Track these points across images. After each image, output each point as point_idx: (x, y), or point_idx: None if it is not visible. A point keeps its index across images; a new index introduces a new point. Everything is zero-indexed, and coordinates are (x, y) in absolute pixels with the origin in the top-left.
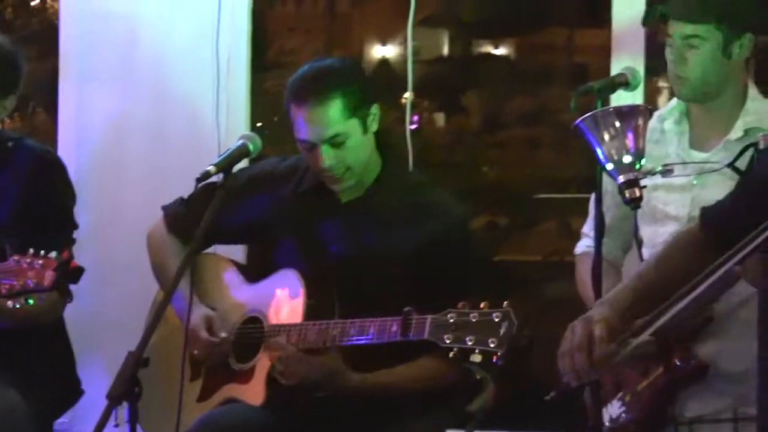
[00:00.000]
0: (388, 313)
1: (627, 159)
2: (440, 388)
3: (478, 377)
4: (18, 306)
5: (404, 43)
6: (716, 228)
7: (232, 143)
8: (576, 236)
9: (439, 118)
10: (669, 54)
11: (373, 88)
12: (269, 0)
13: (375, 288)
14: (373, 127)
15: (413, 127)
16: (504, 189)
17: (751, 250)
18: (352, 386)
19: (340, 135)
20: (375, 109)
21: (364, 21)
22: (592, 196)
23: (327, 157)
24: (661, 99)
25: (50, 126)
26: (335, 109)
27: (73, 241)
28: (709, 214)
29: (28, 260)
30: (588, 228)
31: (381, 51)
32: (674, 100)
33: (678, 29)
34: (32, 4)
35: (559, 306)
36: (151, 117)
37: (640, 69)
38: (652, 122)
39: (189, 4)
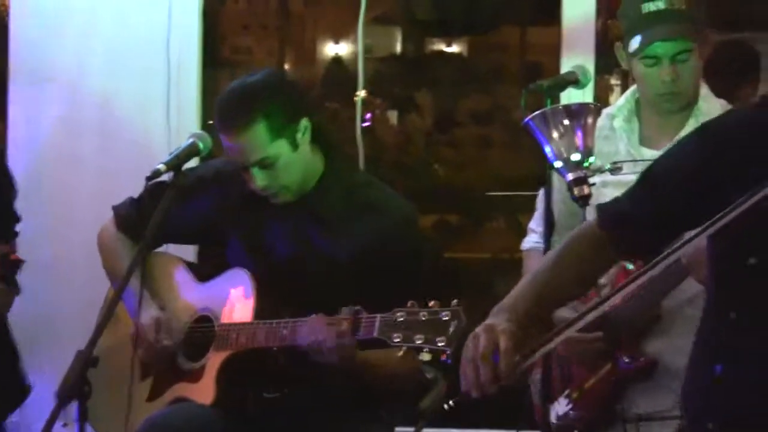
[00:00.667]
0: (338, 312)
1: (576, 157)
2: (407, 381)
3: (429, 376)
4: None
5: (357, 40)
6: (613, 225)
7: (183, 142)
8: (526, 233)
9: (393, 116)
10: (655, 75)
11: (301, 101)
12: None
13: (323, 288)
14: (305, 140)
15: (366, 125)
16: (455, 187)
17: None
18: (310, 378)
19: (268, 158)
20: (305, 123)
21: (317, 19)
22: (540, 192)
23: (259, 178)
24: (612, 96)
25: (0, 126)
26: (258, 133)
27: (14, 234)
28: (607, 211)
29: None
30: (535, 224)
31: (334, 49)
32: (623, 98)
33: (666, 50)
34: None
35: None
36: (102, 117)
37: (591, 67)
38: (602, 120)
39: (141, 3)
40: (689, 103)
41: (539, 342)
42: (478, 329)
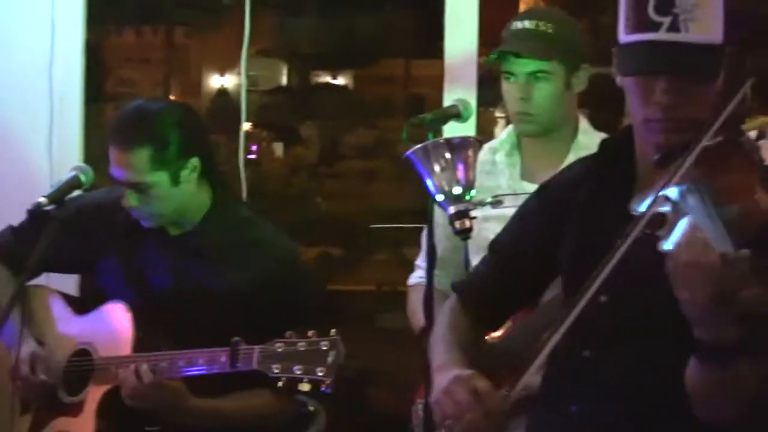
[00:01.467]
0: (218, 344)
1: (457, 190)
2: (279, 419)
3: (311, 408)
4: None
5: (241, 73)
6: (476, 302)
7: (65, 175)
8: (410, 266)
9: (278, 149)
10: (511, 92)
11: (196, 141)
12: (105, 31)
13: (203, 321)
14: (191, 179)
15: (252, 157)
16: (339, 220)
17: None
18: (194, 411)
19: (143, 184)
20: (194, 162)
21: (202, 51)
22: (427, 227)
23: (130, 199)
24: (497, 129)
25: None
26: (140, 159)
27: None
28: (465, 288)
29: None
30: (421, 260)
31: (219, 81)
32: (506, 132)
33: (521, 67)
34: None
35: (393, 336)
36: None
37: (473, 100)
38: (484, 154)
39: (23, 35)
40: (548, 132)
41: (517, 369)
42: (446, 388)
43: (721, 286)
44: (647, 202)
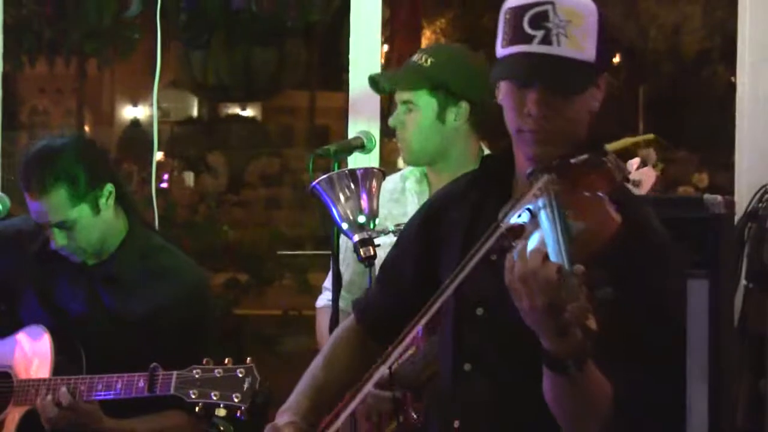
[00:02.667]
0: (136, 369)
1: (361, 219)
2: None
3: (221, 429)
4: None
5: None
6: (368, 320)
7: None
8: (314, 291)
9: (189, 178)
10: (392, 119)
11: (105, 167)
12: (18, 63)
13: (119, 347)
14: (108, 205)
15: (163, 185)
16: (245, 246)
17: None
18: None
19: (68, 221)
20: (109, 188)
21: (114, 82)
22: (331, 254)
23: (58, 238)
24: (400, 160)
25: None
26: (58, 198)
27: None
28: (360, 307)
29: None
30: (328, 282)
31: (132, 112)
32: (414, 168)
33: (398, 96)
34: None
35: (297, 359)
36: None
37: (376, 132)
38: (395, 182)
39: None
40: (427, 161)
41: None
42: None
43: (551, 298)
44: (509, 215)
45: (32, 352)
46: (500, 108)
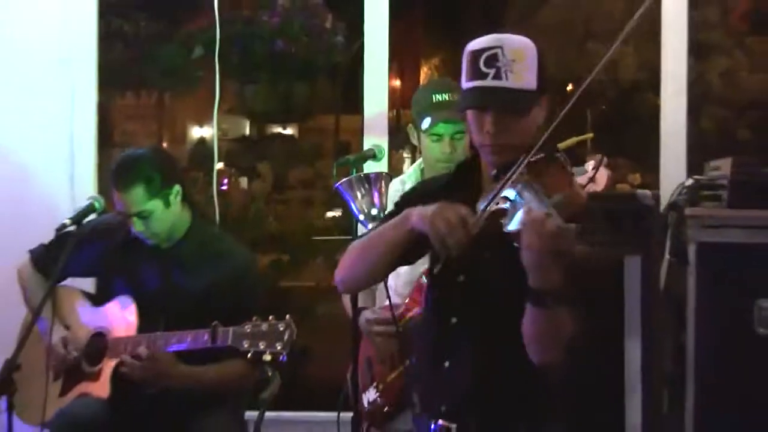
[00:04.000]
0: (202, 326)
1: (374, 211)
2: (246, 385)
3: (269, 374)
4: None
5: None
6: None
7: (82, 201)
8: None
9: (243, 182)
10: (437, 148)
11: (175, 172)
12: (112, 94)
13: (187, 311)
14: (176, 201)
15: (223, 188)
16: (286, 234)
17: None
18: (182, 376)
19: (144, 212)
20: (177, 188)
21: (185, 110)
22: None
23: (137, 225)
24: (404, 165)
25: None
26: (137, 194)
27: None
28: None
29: None
30: None
31: (198, 132)
32: (412, 168)
33: (445, 129)
34: None
35: (327, 319)
36: (18, 185)
37: (385, 145)
38: (397, 184)
39: (47, 100)
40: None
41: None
42: (436, 211)
43: (558, 246)
44: (486, 200)
45: (121, 316)
46: None
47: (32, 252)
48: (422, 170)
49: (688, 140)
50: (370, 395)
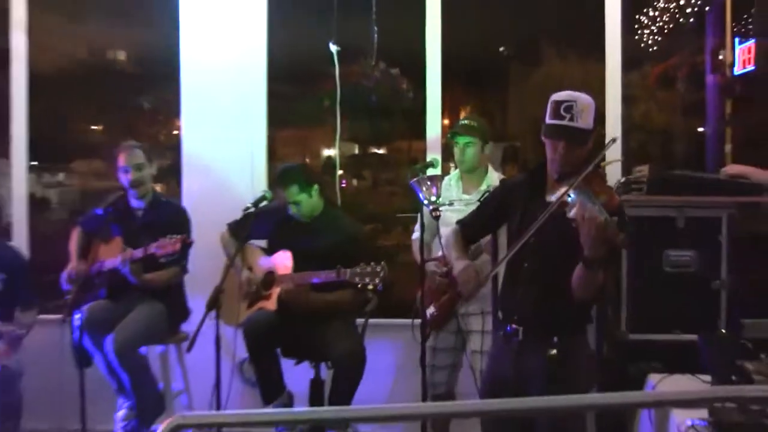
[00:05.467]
0: (330, 267)
1: (433, 198)
2: (357, 303)
3: (370, 297)
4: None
5: (336, 147)
6: (464, 229)
7: (258, 193)
8: (411, 233)
9: (354, 182)
10: (457, 153)
11: (315, 176)
12: (275, 129)
13: (322, 259)
14: (315, 194)
15: (342, 186)
16: (381, 213)
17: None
18: (317, 299)
19: (296, 201)
20: (316, 186)
21: (318, 138)
22: (419, 214)
23: (291, 208)
24: (451, 170)
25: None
26: (292, 190)
27: (189, 232)
28: (462, 222)
29: (170, 239)
30: (417, 227)
31: (327, 152)
32: (455, 171)
33: (461, 141)
34: None
35: (404, 267)
36: (217, 185)
37: (439, 158)
38: (446, 181)
39: (234, 130)
40: (473, 169)
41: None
42: (462, 270)
43: (605, 234)
44: (556, 195)
45: (283, 262)
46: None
47: (229, 224)
48: (461, 172)
49: (622, 154)
50: (430, 310)
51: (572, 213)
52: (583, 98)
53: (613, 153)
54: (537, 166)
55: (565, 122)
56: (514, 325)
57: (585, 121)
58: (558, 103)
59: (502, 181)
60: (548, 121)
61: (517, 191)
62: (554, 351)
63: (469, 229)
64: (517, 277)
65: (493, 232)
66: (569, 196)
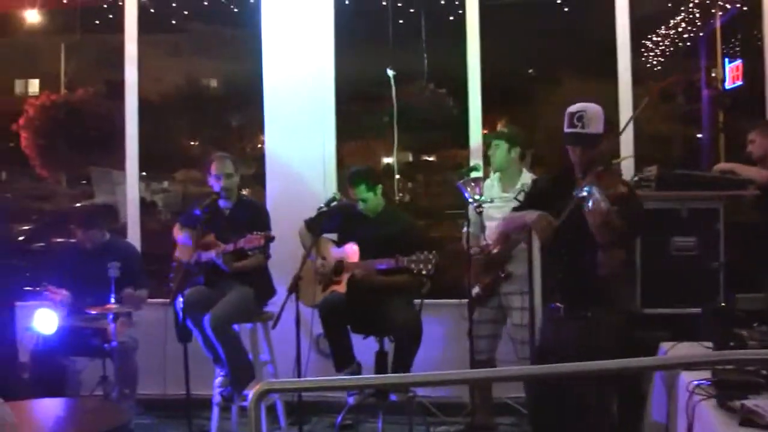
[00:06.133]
0: (390, 256)
1: (477, 197)
2: (413, 285)
3: (425, 280)
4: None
5: (394, 156)
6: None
7: (329, 194)
8: (460, 226)
9: (409, 186)
10: (490, 156)
11: (379, 178)
12: (343, 141)
13: (384, 248)
14: (379, 193)
15: (399, 186)
16: (434, 209)
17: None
18: (380, 282)
19: (364, 199)
20: (380, 186)
21: (379, 148)
22: (466, 211)
23: (361, 205)
24: (491, 173)
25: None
26: (361, 189)
27: (270, 228)
28: (515, 209)
29: (255, 234)
30: (465, 224)
31: (386, 159)
32: (495, 174)
33: (491, 142)
34: None
35: (454, 253)
36: (295, 188)
37: (481, 163)
38: (488, 182)
39: (308, 140)
40: (502, 168)
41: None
42: (537, 216)
43: (606, 219)
44: (578, 191)
45: (351, 251)
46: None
47: (306, 221)
48: (499, 175)
49: (634, 158)
50: (475, 290)
51: (586, 206)
52: (592, 107)
53: (625, 151)
54: (567, 167)
55: (577, 130)
56: (557, 303)
57: (595, 126)
58: (572, 114)
59: (533, 180)
60: (565, 130)
61: (550, 188)
62: (583, 322)
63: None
64: (556, 262)
65: None
66: (585, 190)
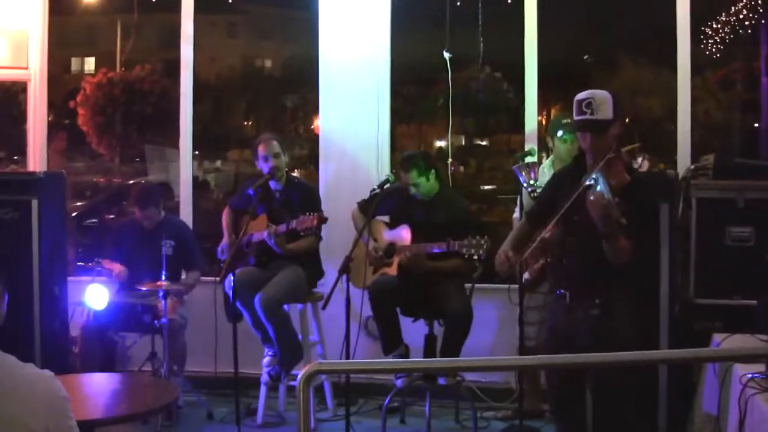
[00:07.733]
0: (443, 240)
1: (532, 182)
2: (465, 269)
3: (477, 265)
4: (304, 243)
5: (448, 140)
6: (528, 217)
7: (383, 177)
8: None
9: (462, 169)
10: (564, 147)
11: (432, 162)
12: (396, 124)
13: (436, 232)
14: (433, 178)
15: (452, 170)
16: (488, 195)
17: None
18: (431, 265)
19: (417, 183)
20: (433, 171)
21: (433, 131)
22: (518, 197)
23: (413, 189)
24: (545, 159)
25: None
26: (414, 173)
27: (319, 207)
28: (528, 212)
29: (308, 215)
30: (517, 208)
31: (439, 143)
32: (549, 160)
33: (570, 137)
34: None
35: (503, 240)
36: (352, 173)
37: (536, 148)
38: (542, 167)
39: (363, 124)
40: (564, 161)
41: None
42: (500, 252)
43: (607, 211)
44: (586, 177)
45: (403, 234)
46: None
47: (359, 203)
48: (552, 161)
49: (691, 146)
50: (526, 275)
51: (589, 195)
52: (600, 93)
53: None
54: (580, 155)
55: (587, 116)
56: (562, 290)
57: (604, 113)
58: (580, 102)
59: (551, 178)
60: (575, 117)
61: (564, 178)
62: (596, 310)
63: (533, 216)
64: (564, 250)
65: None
66: (592, 178)
